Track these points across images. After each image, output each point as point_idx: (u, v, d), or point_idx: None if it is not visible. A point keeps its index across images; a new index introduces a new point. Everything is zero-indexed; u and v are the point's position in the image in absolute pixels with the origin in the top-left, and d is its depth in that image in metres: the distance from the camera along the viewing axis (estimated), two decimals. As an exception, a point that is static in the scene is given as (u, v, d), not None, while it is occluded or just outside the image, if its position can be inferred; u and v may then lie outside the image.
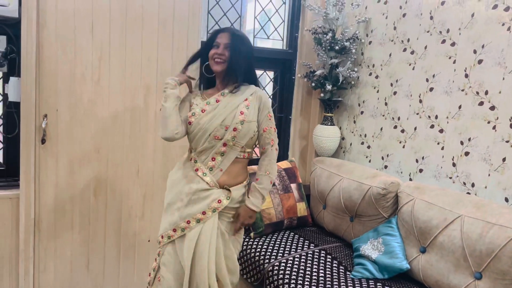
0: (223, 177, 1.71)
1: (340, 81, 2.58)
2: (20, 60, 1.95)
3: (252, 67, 1.80)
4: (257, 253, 2.14)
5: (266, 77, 2.94)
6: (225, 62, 1.69)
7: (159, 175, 2.36)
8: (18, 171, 2.05)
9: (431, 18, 2.16)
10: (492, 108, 1.88)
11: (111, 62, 2.17)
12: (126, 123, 2.25)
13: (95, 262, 2.29)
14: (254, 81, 1.81)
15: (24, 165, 2.02)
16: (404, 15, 2.32)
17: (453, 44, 2.05)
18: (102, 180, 2.23)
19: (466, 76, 1.99)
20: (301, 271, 1.95)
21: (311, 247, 2.23)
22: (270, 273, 1.99)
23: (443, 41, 2.09)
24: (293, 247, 2.21)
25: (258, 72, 2.86)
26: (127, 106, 2.24)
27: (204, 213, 1.66)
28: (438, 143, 2.12)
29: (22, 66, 1.95)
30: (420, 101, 2.22)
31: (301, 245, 2.23)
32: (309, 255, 2.12)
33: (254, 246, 2.21)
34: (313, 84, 2.69)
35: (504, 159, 1.84)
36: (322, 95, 2.69)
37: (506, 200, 1.83)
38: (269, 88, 2.94)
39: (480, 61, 1.93)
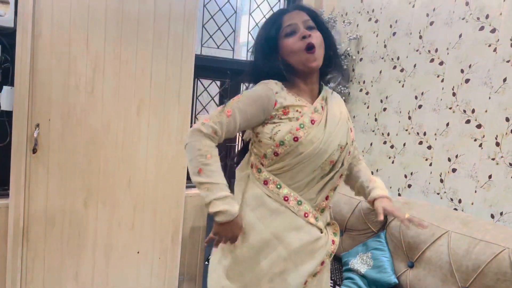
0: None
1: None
2: (14, 70, 1.96)
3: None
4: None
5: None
6: (316, 50, 1.21)
7: (150, 187, 2.37)
8: (8, 180, 2.04)
9: (420, 37, 2.22)
10: (479, 126, 1.93)
11: (105, 74, 2.18)
12: (118, 134, 2.25)
13: (84, 273, 2.27)
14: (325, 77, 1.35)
15: (15, 174, 2.01)
16: (394, 33, 2.38)
17: (441, 63, 2.11)
18: (93, 190, 2.23)
19: (454, 94, 2.04)
20: (290, 284, 1.95)
21: (300, 260, 2.23)
22: (260, 286, 1.99)
23: (432, 60, 2.15)
24: (283, 260, 2.21)
25: (250, 85, 2.90)
26: (120, 117, 2.25)
27: (322, 263, 1.27)
28: (426, 159, 2.16)
29: (15, 75, 1.96)
30: (409, 117, 2.27)
31: (291, 259, 2.24)
32: (299, 268, 2.12)
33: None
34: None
35: (490, 176, 1.88)
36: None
37: (492, 216, 1.86)
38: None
39: (467, 80, 1.99)
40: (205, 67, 2.63)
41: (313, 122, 1.19)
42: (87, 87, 2.15)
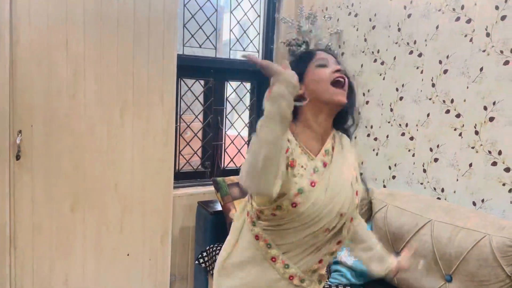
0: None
1: (315, 91, 2.63)
2: (-7, 77, 1.95)
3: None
4: (237, 264, 2.16)
5: (243, 88, 2.99)
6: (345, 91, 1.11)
7: (137, 189, 2.37)
8: (-8, 189, 2.03)
9: (399, 30, 2.24)
10: (458, 115, 1.96)
11: (87, 77, 2.17)
12: (103, 138, 2.25)
13: (74, 278, 2.26)
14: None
15: (-1, 182, 2.00)
16: (373, 27, 2.40)
17: (420, 55, 2.13)
18: (80, 195, 2.22)
19: (433, 85, 2.07)
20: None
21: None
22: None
23: (411, 52, 2.17)
24: (272, 256, 2.23)
25: (235, 84, 2.91)
26: (104, 120, 2.24)
27: None
28: (409, 150, 2.19)
29: (-5, 83, 1.95)
30: (391, 109, 2.29)
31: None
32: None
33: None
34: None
35: (470, 165, 1.91)
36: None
37: (474, 204, 1.90)
38: (247, 100, 2.98)
39: (445, 71, 2.02)
40: (188, 67, 2.63)
41: (313, 184, 1.06)
42: (69, 91, 2.14)
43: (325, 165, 1.11)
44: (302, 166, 1.06)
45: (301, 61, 1.15)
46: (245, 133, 3.01)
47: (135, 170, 2.35)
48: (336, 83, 1.09)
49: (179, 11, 2.54)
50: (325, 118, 1.13)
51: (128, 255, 2.39)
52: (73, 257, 2.25)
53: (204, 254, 2.38)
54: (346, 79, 1.12)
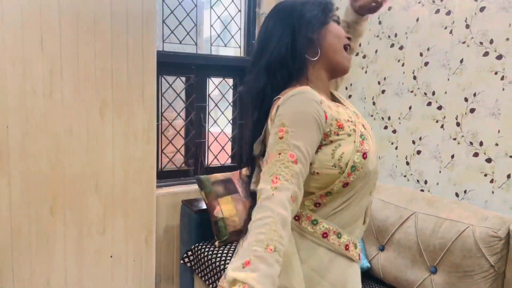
0: None
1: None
2: (-36, 77, 1.88)
3: None
4: (222, 262, 2.14)
5: (225, 84, 2.95)
6: None
7: (119, 189, 2.32)
8: (-34, 193, 1.96)
9: (380, 23, 2.24)
10: (440, 108, 1.97)
11: (63, 75, 2.11)
12: (82, 137, 2.19)
13: (55, 282, 2.21)
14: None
15: (-27, 186, 1.93)
16: (355, 20, 2.39)
17: (401, 48, 2.14)
18: (59, 197, 2.16)
19: (414, 78, 2.07)
20: (266, 276, 1.96)
21: (276, 252, 2.24)
22: (236, 281, 1.99)
23: (392, 45, 2.17)
24: (258, 253, 2.21)
25: (217, 80, 2.88)
26: (83, 119, 2.18)
27: None
28: (392, 143, 2.20)
29: (-34, 83, 1.88)
30: (374, 103, 2.29)
31: (266, 251, 2.25)
32: (274, 260, 2.13)
33: (219, 255, 2.20)
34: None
35: (452, 156, 1.92)
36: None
37: (457, 195, 1.91)
38: (229, 96, 2.95)
39: (426, 63, 2.02)
40: (168, 63, 2.58)
41: (364, 127, 0.98)
42: (45, 91, 2.08)
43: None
44: (348, 120, 0.94)
45: (326, 10, 1.01)
46: (228, 129, 2.98)
47: (116, 170, 2.30)
48: (346, 48, 1.01)
49: (158, 6, 2.49)
50: (328, 79, 1.03)
51: (111, 256, 2.34)
52: (54, 260, 2.19)
53: (189, 253, 2.35)
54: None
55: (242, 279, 0.72)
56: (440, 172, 1.98)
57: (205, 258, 2.22)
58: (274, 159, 0.84)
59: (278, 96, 0.95)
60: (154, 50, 2.34)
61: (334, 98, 1.08)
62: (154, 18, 2.33)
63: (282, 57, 0.96)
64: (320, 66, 1.00)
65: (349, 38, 1.02)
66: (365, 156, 0.90)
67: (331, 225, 0.94)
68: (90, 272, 2.29)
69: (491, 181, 1.79)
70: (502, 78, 1.74)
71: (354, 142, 0.91)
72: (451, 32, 1.91)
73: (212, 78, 2.82)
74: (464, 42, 1.86)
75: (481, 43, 1.81)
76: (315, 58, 0.98)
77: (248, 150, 1.03)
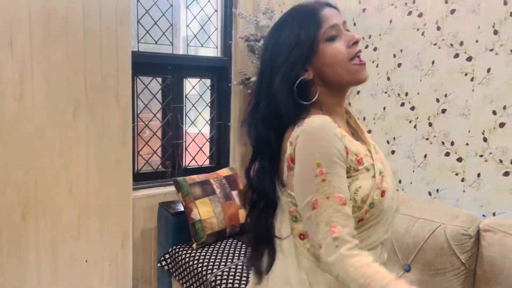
0: None
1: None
2: None
3: None
4: (200, 264, 2.13)
5: (202, 85, 2.94)
6: None
7: (94, 192, 2.28)
8: None
9: (354, 24, 2.26)
10: (412, 108, 2.01)
11: (34, 77, 2.06)
12: (55, 141, 2.14)
13: (28, 289, 2.16)
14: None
15: None
16: (330, 21, 2.41)
17: (375, 49, 2.16)
18: (31, 201, 2.11)
19: (388, 79, 2.10)
20: (243, 278, 1.96)
21: (253, 253, 2.24)
22: (213, 283, 1.98)
23: (366, 47, 2.20)
24: (236, 254, 2.21)
25: (194, 81, 2.86)
26: (55, 122, 2.13)
27: None
28: (368, 143, 2.23)
29: None
30: (349, 104, 2.31)
31: (244, 252, 2.25)
32: (252, 261, 2.13)
33: (197, 257, 2.19)
34: (249, 91, 2.72)
35: (425, 156, 1.96)
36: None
37: (430, 194, 1.95)
38: (207, 96, 2.93)
39: (399, 65, 2.05)
40: (144, 64, 2.55)
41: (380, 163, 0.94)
42: (15, 93, 2.02)
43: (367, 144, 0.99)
44: (367, 154, 0.92)
45: (306, 32, 0.90)
46: (206, 130, 2.96)
47: (91, 173, 2.26)
48: (355, 58, 0.91)
49: (133, 6, 2.45)
50: (344, 96, 0.98)
51: (86, 261, 2.30)
52: (27, 266, 2.14)
53: (167, 256, 2.33)
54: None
55: None
56: (413, 171, 2.02)
57: (183, 260, 2.20)
58: (326, 204, 0.83)
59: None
60: (129, 50, 2.31)
61: (350, 127, 1.03)
62: (128, 17, 2.29)
63: (277, 109, 0.91)
64: (335, 92, 0.95)
65: (356, 42, 0.92)
66: (383, 194, 0.90)
67: None
68: (64, 278, 2.25)
69: (462, 180, 1.83)
70: (472, 80, 1.79)
71: (373, 177, 0.89)
72: (423, 34, 1.95)
73: (189, 79, 2.80)
74: (435, 44, 1.90)
75: (451, 45, 1.85)
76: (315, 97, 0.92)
77: (268, 190, 0.96)
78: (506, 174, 1.70)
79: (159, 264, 2.36)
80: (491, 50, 1.72)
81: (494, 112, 1.72)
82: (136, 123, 2.57)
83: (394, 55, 2.07)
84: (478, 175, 1.79)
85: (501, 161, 1.71)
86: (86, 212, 2.27)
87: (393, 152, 2.10)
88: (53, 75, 2.11)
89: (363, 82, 0.94)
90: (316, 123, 0.86)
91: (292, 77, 0.90)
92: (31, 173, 2.09)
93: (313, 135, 0.85)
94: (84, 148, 2.22)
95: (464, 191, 1.83)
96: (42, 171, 2.12)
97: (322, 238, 0.83)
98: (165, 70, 2.65)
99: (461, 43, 1.81)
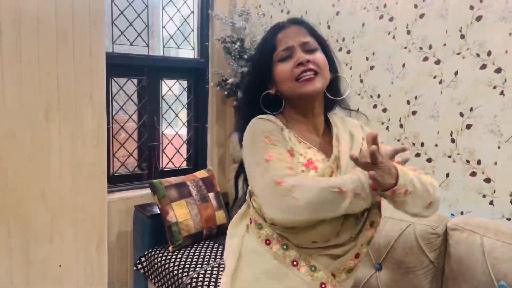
0: None
1: (251, 88, 2.63)
2: None
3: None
4: (176, 267, 2.12)
5: (179, 86, 2.92)
6: (320, 74, 1.02)
7: (68, 196, 2.24)
8: None
9: (329, 27, 2.29)
10: (384, 110, 2.05)
11: (4, 79, 2.02)
12: (25, 144, 2.10)
13: (-1, 295, 2.11)
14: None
15: None
16: (305, 24, 2.44)
17: (348, 52, 2.20)
18: (1, 206, 2.06)
19: (361, 81, 2.14)
20: (219, 280, 1.96)
21: (230, 254, 2.25)
22: (189, 286, 1.98)
23: (340, 49, 2.23)
24: (212, 256, 2.22)
25: (170, 82, 2.84)
26: (26, 125, 2.09)
27: None
28: (342, 145, 2.26)
29: None
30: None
31: (220, 254, 2.25)
32: (228, 262, 2.14)
33: (173, 260, 2.18)
34: (226, 93, 2.72)
35: (397, 157, 2.00)
36: (235, 103, 2.74)
37: (401, 194, 1.99)
38: (184, 98, 2.92)
39: (372, 67, 2.09)
40: (119, 65, 2.52)
41: (315, 169, 1.01)
42: (-16, 95, 1.97)
43: (328, 153, 1.03)
44: (301, 154, 1.00)
45: (264, 56, 1.06)
46: (183, 131, 2.95)
47: (64, 176, 2.23)
48: (301, 76, 1.01)
49: (107, 7, 2.43)
50: (310, 107, 1.06)
51: (60, 266, 2.26)
52: (-2, 272, 2.09)
53: (143, 259, 2.32)
54: (312, 65, 1.00)
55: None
56: (386, 172, 2.05)
57: (159, 263, 2.19)
58: (261, 168, 0.97)
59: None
60: (103, 51, 2.28)
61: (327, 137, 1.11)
62: (102, 18, 2.27)
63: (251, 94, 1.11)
64: (293, 104, 1.07)
65: (300, 64, 1.00)
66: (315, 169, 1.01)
67: (275, 235, 0.97)
68: (37, 283, 2.20)
69: (432, 180, 1.88)
70: (440, 82, 1.83)
71: (302, 164, 1.01)
72: (394, 37, 1.99)
73: (165, 80, 2.78)
74: (405, 47, 1.94)
75: (421, 48, 1.89)
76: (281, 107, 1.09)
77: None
78: (473, 174, 1.75)
79: (135, 268, 2.34)
80: (458, 53, 1.77)
81: (462, 114, 1.77)
82: (111, 125, 2.55)
83: (367, 58, 2.11)
84: (447, 175, 1.84)
85: (468, 161, 1.77)
86: (60, 216, 2.23)
87: (366, 153, 2.13)
88: (24, 76, 2.06)
89: (306, 95, 1.02)
90: (257, 118, 1.04)
91: (259, 91, 1.08)
92: (2, 176, 2.05)
93: (253, 123, 1.03)
94: (56, 151, 2.19)
95: (433, 191, 1.88)
96: (13, 175, 2.08)
97: (264, 186, 0.93)
98: (140, 71, 2.63)
99: (430, 47, 1.86)
